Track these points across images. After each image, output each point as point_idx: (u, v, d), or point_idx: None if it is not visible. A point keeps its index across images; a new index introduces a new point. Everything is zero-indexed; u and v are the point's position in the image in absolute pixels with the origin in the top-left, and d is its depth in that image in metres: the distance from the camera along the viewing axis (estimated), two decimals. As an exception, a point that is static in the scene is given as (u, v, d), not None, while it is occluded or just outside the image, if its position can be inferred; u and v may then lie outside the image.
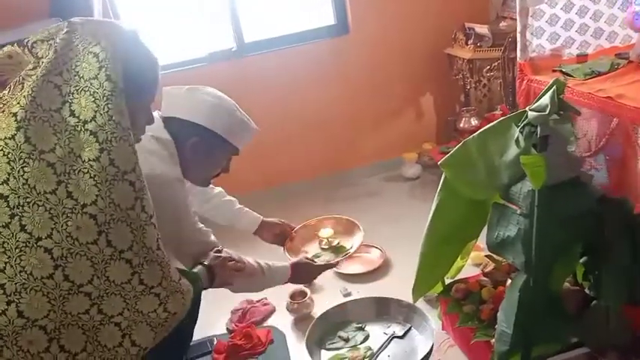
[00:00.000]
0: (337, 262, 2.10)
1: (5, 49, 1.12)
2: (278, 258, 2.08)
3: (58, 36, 1.08)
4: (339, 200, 3.33)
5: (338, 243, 2.13)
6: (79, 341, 1.06)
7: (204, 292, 1.48)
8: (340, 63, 3.33)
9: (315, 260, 2.09)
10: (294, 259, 1.98)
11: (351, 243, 2.07)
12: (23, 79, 1.06)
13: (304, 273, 1.98)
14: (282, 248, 2.17)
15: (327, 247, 2.12)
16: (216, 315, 2.31)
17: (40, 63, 1.07)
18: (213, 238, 1.64)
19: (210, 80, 3.10)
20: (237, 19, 3.16)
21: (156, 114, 1.55)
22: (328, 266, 2.08)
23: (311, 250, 2.16)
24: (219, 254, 1.58)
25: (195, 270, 1.48)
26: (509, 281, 1.88)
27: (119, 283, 1.06)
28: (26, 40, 1.11)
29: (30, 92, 1.03)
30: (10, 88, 1.07)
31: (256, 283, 1.79)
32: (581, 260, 1.68)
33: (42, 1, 2.63)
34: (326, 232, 2.15)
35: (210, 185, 1.94)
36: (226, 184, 2.02)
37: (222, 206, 2.05)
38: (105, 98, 1.03)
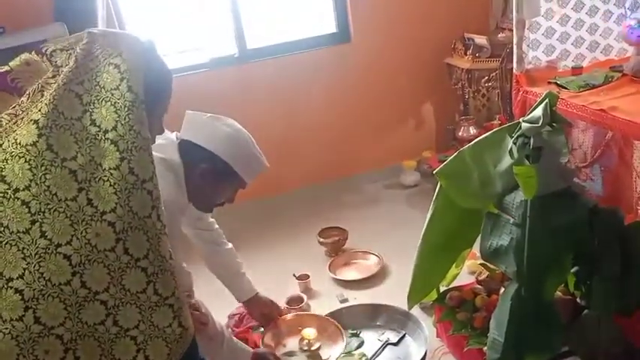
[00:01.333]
0: None
1: (23, 56, 1.13)
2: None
3: (79, 46, 1.09)
4: (338, 207, 3.35)
5: (318, 347, 2.01)
6: (94, 353, 1.06)
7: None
8: (341, 71, 3.36)
9: (284, 358, 2.00)
10: (257, 350, 1.90)
11: (329, 354, 1.96)
12: (42, 87, 1.07)
13: None
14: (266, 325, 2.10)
15: (306, 348, 2.01)
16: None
17: (60, 72, 1.07)
18: (191, 281, 1.64)
19: (212, 86, 3.16)
20: (240, 25, 3.19)
21: (173, 135, 1.58)
22: None
23: (289, 344, 2.07)
24: (189, 299, 1.56)
25: None
26: (502, 289, 1.90)
27: (134, 292, 1.06)
28: (45, 49, 1.12)
29: (51, 100, 1.03)
30: (28, 95, 1.08)
31: (212, 347, 1.67)
32: (572, 270, 1.71)
33: (45, 5, 2.67)
34: (310, 332, 2.03)
35: (223, 240, 1.98)
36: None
37: (228, 264, 2.00)
38: (126, 109, 1.04)
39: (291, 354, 2.02)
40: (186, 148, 1.57)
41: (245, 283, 2.04)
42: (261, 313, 2.08)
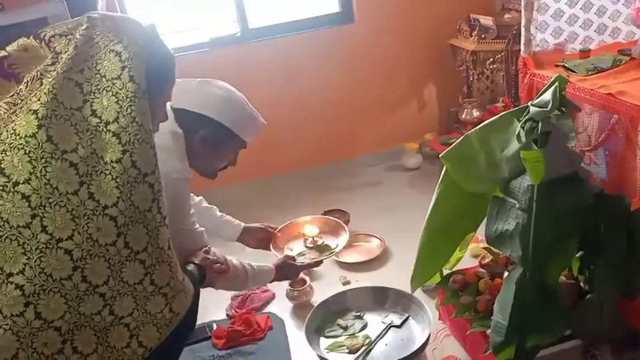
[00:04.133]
0: (321, 261, 2.06)
1: (21, 41, 1.09)
2: (263, 255, 2.09)
3: (78, 31, 1.06)
4: (339, 189, 3.35)
5: (322, 242, 2.08)
6: (90, 342, 1.06)
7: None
8: (344, 51, 3.33)
9: (299, 258, 2.06)
10: (277, 260, 1.96)
11: (336, 242, 2.02)
12: (41, 74, 1.04)
13: (288, 273, 1.98)
14: (269, 250, 2.13)
15: (311, 245, 2.07)
16: (216, 300, 2.34)
17: (59, 58, 1.04)
18: (205, 237, 1.65)
19: (214, 66, 3.12)
20: (241, 4, 3.15)
21: (167, 106, 1.56)
22: (311, 265, 2.06)
23: (295, 247, 2.13)
24: (207, 255, 1.58)
25: (188, 268, 1.48)
26: (506, 273, 1.91)
27: (132, 284, 1.06)
28: (43, 34, 1.09)
29: (50, 89, 1.01)
30: (27, 83, 1.05)
31: (238, 284, 1.80)
32: (577, 254, 1.71)
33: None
34: (311, 230, 2.10)
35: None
36: (229, 171, 2.02)
37: (205, 214, 2.00)
38: (128, 100, 1.02)
39: (301, 254, 2.09)
40: (181, 116, 1.56)
41: (229, 223, 2.07)
42: (257, 239, 2.11)
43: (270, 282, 1.95)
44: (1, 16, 2.33)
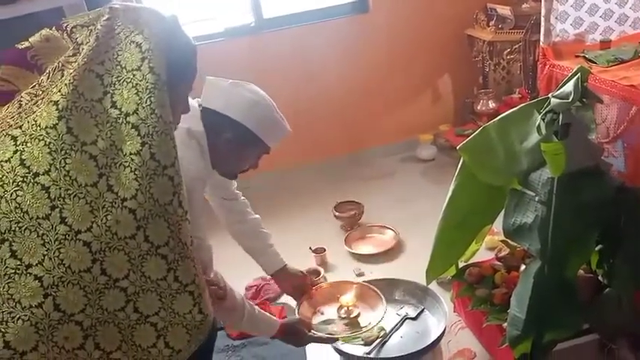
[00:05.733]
0: (336, 340, 1.87)
1: (43, 32, 1.09)
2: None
3: (99, 22, 1.05)
4: (353, 180, 3.34)
5: (357, 315, 1.91)
6: (114, 340, 1.05)
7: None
8: (359, 41, 3.30)
9: (323, 325, 1.91)
10: (288, 320, 1.82)
11: (369, 320, 1.87)
12: (63, 65, 1.04)
13: (293, 339, 1.79)
14: (298, 302, 1.99)
15: (344, 316, 1.91)
16: (230, 290, 2.34)
17: (81, 49, 1.04)
18: (211, 255, 1.57)
19: (228, 56, 3.12)
20: (256, -6, 3.13)
21: (195, 103, 1.54)
22: (324, 340, 1.84)
23: (327, 312, 1.96)
24: (205, 275, 1.47)
25: None
26: (523, 267, 1.89)
27: (154, 280, 1.05)
28: (65, 25, 1.08)
29: (71, 80, 1.00)
30: (48, 74, 1.05)
31: (232, 319, 1.65)
32: (596, 248, 1.69)
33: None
34: (348, 298, 1.93)
35: (249, 210, 1.91)
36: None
37: (256, 236, 1.94)
38: (148, 91, 1.01)
39: (328, 322, 1.95)
40: (208, 116, 1.55)
41: (273, 255, 1.97)
42: (292, 285, 1.99)
43: (271, 338, 1.75)
44: (17, 6, 2.33)
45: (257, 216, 1.94)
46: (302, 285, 1.99)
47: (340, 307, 1.95)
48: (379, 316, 1.87)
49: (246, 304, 1.64)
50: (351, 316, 1.92)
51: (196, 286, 1.09)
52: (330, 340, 1.84)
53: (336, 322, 1.93)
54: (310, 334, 1.81)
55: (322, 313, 1.98)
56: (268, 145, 1.62)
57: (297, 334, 1.77)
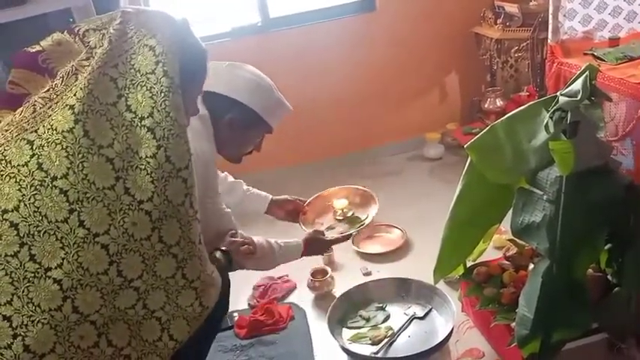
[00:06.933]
0: (351, 235, 2.01)
1: (55, 36, 1.10)
2: (293, 232, 2.07)
3: (112, 26, 1.06)
4: (360, 178, 3.30)
5: (353, 214, 2.03)
6: (124, 336, 1.08)
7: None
8: (365, 40, 3.29)
9: (329, 232, 2.02)
10: (305, 234, 1.94)
11: (366, 214, 1.97)
12: (76, 69, 1.05)
13: (317, 247, 1.94)
14: (298, 223, 2.10)
15: (341, 218, 2.02)
16: (238, 290, 2.33)
17: (94, 53, 1.05)
18: (233, 220, 1.65)
19: (235, 55, 3.07)
20: (262, -7, 3.13)
21: None
22: (341, 239, 1.98)
23: (325, 221, 2.08)
24: (233, 238, 1.58)
25: (216, 256, 1.49)
26: (531, 266, 1.88)
27: (164, 278, 1.07)
28: (77, 29, 1.09)
29: (86, 84, 1.01)
30: (62, 78, 1.05)
31: (267, 263, 1.78)
32: (605, 247, 1.68)
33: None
34: (340, 202, 2.05)
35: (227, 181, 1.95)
36: (249, 160, 2.01)
37: (232, 189, 2.00)
38: (162, 94, 1.02)
39: (331, 227, 2.05)
40: (210, 99, 1.56)
41: (256, 196, 2.05)
42: (285, 211, 2.09)
43: (300, 257, 1.89)
44: (25, 8, 2.35)
45: (224, 173, 1.97)
46: (295, 208, 2.10)
47: (335, 212, 2.07)
48: (375, 210, 1.99)
49: (273, 245, 1.76)
50: (349, 215, 2.04)
51: (201, 282, 1.12)
52: (344, 237, 1.98)
53: (337, 225, 2.05)
54: (327, 238, 1.95)
55: (322, 224, 2.08)
56: (271, 125, 1.64)
57: (318, 241, 1.92)
